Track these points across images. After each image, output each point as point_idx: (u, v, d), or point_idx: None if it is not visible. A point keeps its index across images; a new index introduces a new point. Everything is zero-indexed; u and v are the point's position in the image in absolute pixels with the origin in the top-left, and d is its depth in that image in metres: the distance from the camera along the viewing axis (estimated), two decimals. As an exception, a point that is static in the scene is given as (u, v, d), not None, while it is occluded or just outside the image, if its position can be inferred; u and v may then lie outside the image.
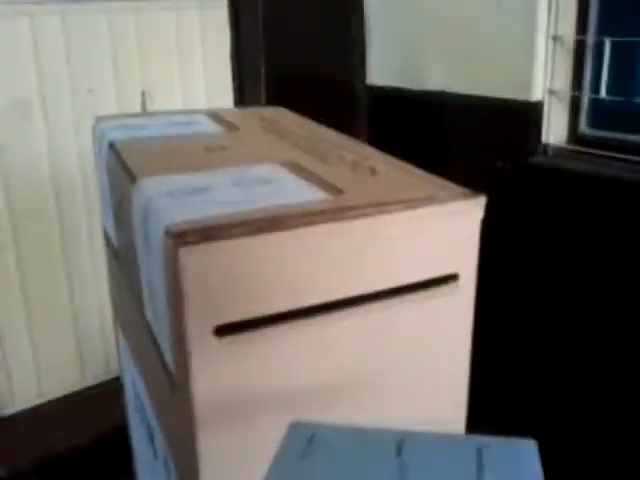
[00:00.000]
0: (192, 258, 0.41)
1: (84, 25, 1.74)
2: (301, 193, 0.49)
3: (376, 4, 1.66)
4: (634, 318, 1.04)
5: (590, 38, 1.20)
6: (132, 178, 0.52)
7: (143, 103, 1.90)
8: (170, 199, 0.47)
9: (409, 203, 0.49)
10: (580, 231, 1.13)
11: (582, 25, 1.24)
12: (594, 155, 1.15)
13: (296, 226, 0.44)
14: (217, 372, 0.44)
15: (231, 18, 1.94)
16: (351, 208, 0.47)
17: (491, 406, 1.08)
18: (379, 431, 0.35)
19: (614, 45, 1.16)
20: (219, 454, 0.46)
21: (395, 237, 0.49)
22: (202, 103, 1.99)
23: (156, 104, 1.90)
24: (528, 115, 1.23)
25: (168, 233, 0.42)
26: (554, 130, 1.26)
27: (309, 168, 0.55)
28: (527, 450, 0.34)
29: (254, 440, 0.46)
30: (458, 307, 0.55)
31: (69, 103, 1.75)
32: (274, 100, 1.87)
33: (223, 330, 0.43)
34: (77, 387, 1.76)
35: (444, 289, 0.54)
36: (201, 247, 0.41)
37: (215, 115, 0.74)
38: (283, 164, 0.56)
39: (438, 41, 1.46)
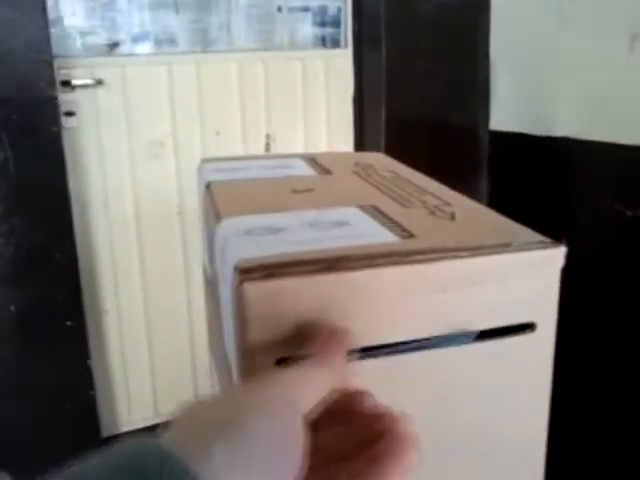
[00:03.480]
0: (255, 293, 0.43)
1: (215, 73, 1.87)
2: (372, 236, 0.51)
3: (502, 48, 1.65)
4: None
5: None
6: (218, 217, 0.56)
7: (267, 145, 2.00)
8: (245, 237, 0.50)
9: (479, 250, 0.49)
10: None
11: None
12: None
13: (356, 268, 0.45)
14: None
15: (355, 65, 2.01)
16: (417, 252, 0.47)
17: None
18: None
19: None
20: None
21: (463, 284, 0.49)
22: (323, 146, 2.06)
23: (279, 147, 1.99)
24: (661, 163, 1.17)
25: (236, 268, 0.44)
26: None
27: (388, 212, 0.57)
28: None
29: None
30: (535, 357, 0.54)
31: (198, 144, 1.87)
32: (393, 144, 1.90)
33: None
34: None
35: (519, 338, 0.52)
36: (264, 283, 0.43)
37: (312, 159, 0.77)
38: (363, 208, 0.58)
39: (565, 85, 1.42)
